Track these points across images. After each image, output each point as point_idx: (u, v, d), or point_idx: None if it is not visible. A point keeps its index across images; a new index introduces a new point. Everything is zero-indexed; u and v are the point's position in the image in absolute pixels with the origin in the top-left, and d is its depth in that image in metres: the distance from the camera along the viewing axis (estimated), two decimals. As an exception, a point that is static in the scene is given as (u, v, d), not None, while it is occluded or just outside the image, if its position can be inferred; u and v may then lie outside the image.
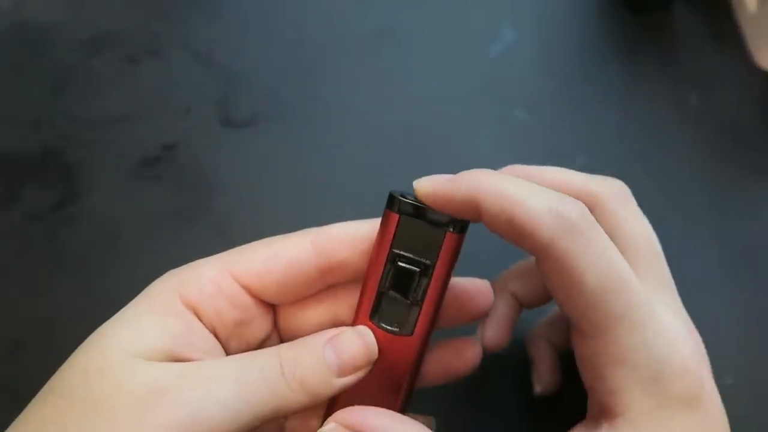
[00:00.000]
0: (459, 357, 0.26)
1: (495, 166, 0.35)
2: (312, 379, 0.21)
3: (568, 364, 0.31)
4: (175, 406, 0.20)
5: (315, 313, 0.25)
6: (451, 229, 0.22)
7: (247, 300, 0.24)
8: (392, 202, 0.23)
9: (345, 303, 0.25)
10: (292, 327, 0.25)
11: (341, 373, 0.22)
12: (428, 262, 0.22)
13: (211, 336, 0.23)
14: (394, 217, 0.22)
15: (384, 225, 0.23)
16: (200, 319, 0.23)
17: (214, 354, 0.23)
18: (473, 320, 0.25)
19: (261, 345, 0.25)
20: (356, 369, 0.22)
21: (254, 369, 0.21)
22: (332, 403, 0.24)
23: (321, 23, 0.38)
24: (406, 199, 0.22)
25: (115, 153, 0.34)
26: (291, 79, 0.36)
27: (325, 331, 0.23)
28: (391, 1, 0.39)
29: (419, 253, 0.22)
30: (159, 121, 0.35)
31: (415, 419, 0.23)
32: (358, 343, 0.23)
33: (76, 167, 0.34)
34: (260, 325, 0.25)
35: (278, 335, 0.26)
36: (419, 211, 0.22)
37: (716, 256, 0.33)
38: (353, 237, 0.24)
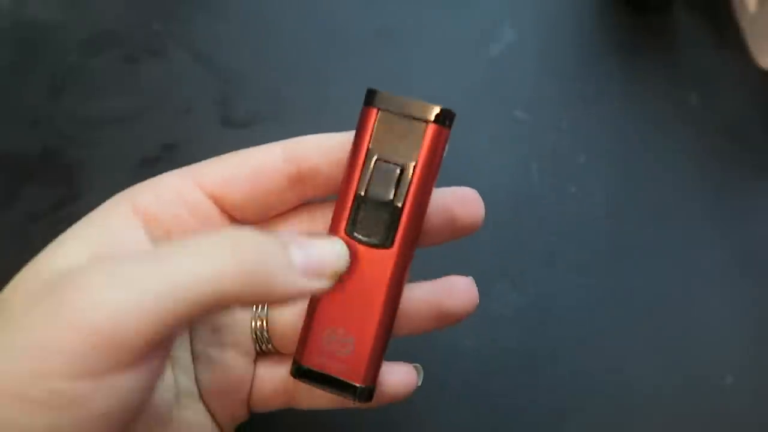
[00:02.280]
0: (451, 294, 0.23)
1: (495, 165, 0.35)
2: (268, 259, 0.18)
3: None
4: (67, 297, 0.16)
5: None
6: (435, 121, 0.20)
7: (212, 210, 0.22)
8: (370, 96, 0.21)
9: (321, 223, 0.23)
10: None
11: (302, 272, 0.19)
12: (410, 161, 0.21)
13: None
14: (372, 111, 0.21)
15: (361, 122, 0.21)
16: (155, 230, 0.21)
17: None
18: (461, 236, 0.23)
19: None
20: (320, 274, 0.20)
21: (190, 245, 0.18)
22: (305, 334, 0.22)
23: (321, 23, 0.38)
24: (386, 92, 0.21)
25: (115, 153, 0.34)
26: (291, 79, 0.36)
27: (290, 231, 0.21)
28: (391, 1, 0.39)
29: (400, 151, 0.21)
30: (159, 121, 0.35)
31: (401, 366, 0.23)
32: (328, 246, 0.20)
33: (76, 167, 0.34)
34: None
35: None
36: (400, 103, 0.21)
37: (716, 256, 0.33)
38: (326, 144, 0.22)
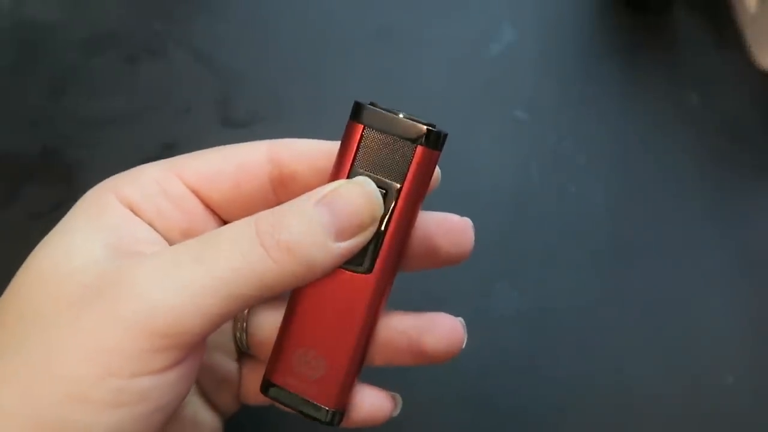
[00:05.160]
0: (432, 333, 0.21)
1: (495, 166, 0.35)
2: (302, 243, 0.18)
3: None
4: (120, 300, 0.17)
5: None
6: (424, 143, 0.19)
7: (195, 204, 0.21)
8: (357, 110, 0.20)
9: None
10: None
11: (340, 236, 0.18)
12: (395, 183, 0.19)
13: (152, 231, 0.20)
14: (358, 128, 0.19)
15: (346, 138, 0.20)
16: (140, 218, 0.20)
17: (152, 244, 0.20)
18: (446, 265, 0.22)
19: None
20: (359, 229, 0.19)
21: (222, 243, 0.18)
22: (276, 352, 0.21)
23: (321, 23, 0.38)
24: (375, 107, 0.20)
25: (115, 153, 0.34)
26: (291, 79, 0.36)
27: (313, 190, 0.19)
28: (391, 1, 0.39)
29: (385, 172, 0.19)
30: (159, 121, 0.35)
31: (377, 393, 0.22)
32: (358, 194, 0.19)
33: (76, 167, 0.34)
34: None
35: None
36: (388, 121, 0.19)
37: (716, 255, 0.33)
38: (311, 151, 0.21)
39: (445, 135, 0.20)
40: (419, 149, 0.19)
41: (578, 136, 0.36)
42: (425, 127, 0.19)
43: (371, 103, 0.20)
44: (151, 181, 0.20)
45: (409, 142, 0.19)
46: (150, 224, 0.20)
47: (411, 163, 0.19)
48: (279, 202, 0.21)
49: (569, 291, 0.32)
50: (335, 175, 0.20)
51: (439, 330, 0.21)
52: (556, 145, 0.36)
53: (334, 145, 0.21)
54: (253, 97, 0.36)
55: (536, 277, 0.32)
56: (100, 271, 0.18)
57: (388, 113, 0.19)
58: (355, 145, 0.20)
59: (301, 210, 0.18)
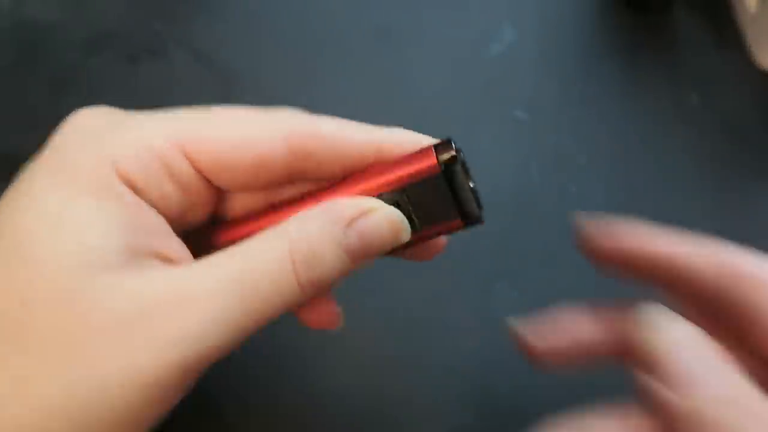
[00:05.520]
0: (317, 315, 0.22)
1: (495, 166, 0.35)
2: (329, 277, 0.18)
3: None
4: (166, 330, 0.17)
5: (252, 198, 0.22)
6: (464, 220, 0.20)
7: (200, 186, 0.20)
8: (444, 148, 0.19)
9: (280, 194, 0.22)
10: (225, 206, 0.22)
11: (358, 260, 0.19)
12: (420, 225, 0.20)
13: (160, 217, 0.19)
14: (432, 163, 0.19)
15: (413, 161, 0.19)
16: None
17: (165, 237, 0.19)
18: (412, 259, 0.23)
19: (198, 226, 0.22)
20: (378, 255, 0.19)
21: (261, 283, 0.18)
22: None
23: (321, 23, 0.38)
24: (461, 156, 0.19)
25: (115, 153, 0.34)
26: (291, 79, 0.36)
27: (338, 205, 0.19)
28: (391, 1, 0.39)
29: (416, 210, 0.20)
30: (159, 121, 0.35)
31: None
32: (389, 229, 0.19)
33: (76, 167, 0.34)
34: (203, 209, 0.21)
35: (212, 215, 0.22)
36: (459, 181, 0.19)
37: (716, 256, 0.33)
38: (341, 144, 0.20)
39: (482, 222, 0.20)
40: (460, 222, 0.20)
41: (578, 136, 0.36)
42: (479, 210, 0.20)
43: (456, 147, 0.19)
44: (154, 158, 0.19)
45: (458, 213, 0.20)
46: (152, 206, 0.19)
47: (443, 223, 0.20)
48: (289, 183, 0.21)
49: (569, 291, 0.32)
50: (372, 182, 0.20)
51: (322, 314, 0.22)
52: (557, 145, 0.35)
53: (368, 134, 0.20)
54: (253, 97, 0.36)
55: (536, 277, 0.32)
56: (136, 291, 0.17)
57: (465, 173, 0.20)
58: (419, 175, 0.19)
59: (336, 241, 0.18)
